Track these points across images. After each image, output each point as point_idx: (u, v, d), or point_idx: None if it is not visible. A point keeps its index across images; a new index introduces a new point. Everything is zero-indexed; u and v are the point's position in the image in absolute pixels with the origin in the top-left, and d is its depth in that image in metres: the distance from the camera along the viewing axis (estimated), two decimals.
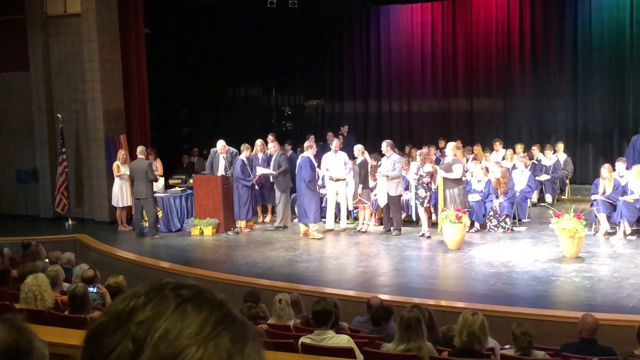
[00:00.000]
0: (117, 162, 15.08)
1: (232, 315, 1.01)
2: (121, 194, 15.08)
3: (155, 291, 1.02)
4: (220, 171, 14.50)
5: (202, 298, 1.01)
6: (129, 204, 15.01)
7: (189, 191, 15.03)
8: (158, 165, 15.76)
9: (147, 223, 14.20)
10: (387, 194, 13.41)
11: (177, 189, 15.43)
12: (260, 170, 14.59)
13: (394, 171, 13.39)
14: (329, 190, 14.21)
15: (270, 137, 15.60)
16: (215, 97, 21.29)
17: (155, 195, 14.42)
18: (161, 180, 15.55)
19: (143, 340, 0.96)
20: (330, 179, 14.06)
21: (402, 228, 13.73)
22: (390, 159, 13.53)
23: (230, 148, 14.92)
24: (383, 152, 13.69)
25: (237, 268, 11.61)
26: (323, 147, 16.17)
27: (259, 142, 15.20)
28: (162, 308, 0.99)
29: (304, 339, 5.99)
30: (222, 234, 14.14)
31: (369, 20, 21.04)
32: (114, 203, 15.21)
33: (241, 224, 14.46)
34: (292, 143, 17.78)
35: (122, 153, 15.22)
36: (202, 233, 14.16)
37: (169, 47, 19.93)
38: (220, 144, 14.70)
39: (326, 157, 14.29)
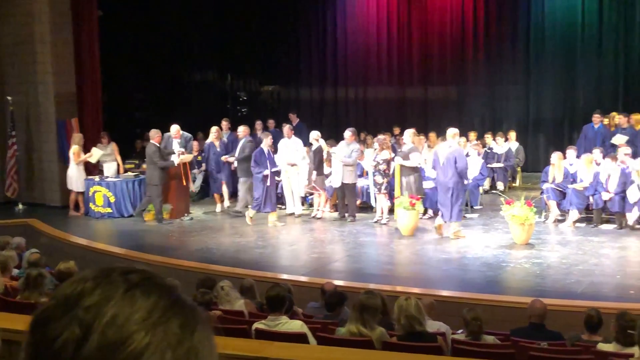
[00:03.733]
0: (77, 147, 14.79)
1: (181, 301, 1.00)
2: (79, 178, 14.81)
3: (103, 276, 1.01)
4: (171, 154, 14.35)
5: (151, 283, 1.00)
6: (84, 189, 14.81)
7: (141, 176, 14.85)
8: (114, 149, 15.55)
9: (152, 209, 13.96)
10: (342, 181, 13.44)
11: (130, 173, 15.26)
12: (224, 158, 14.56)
13: (350, 158, 13.43)
14: (283, 176, 14.20)
15: (224, 123, 15.50)
16: (170, 81, 21.06)
17: (109, 179, 14.21)
18: (114, 165, 15.36)
19: (90, 325, 0.95)
20: (287, 165, 14.07)
21: (357, 214, 13.78)
22: (350, 147, 13.55)
23: (185, 133, 14.78)
24: (345, 139, 13.66)
25: (191, 254, 11.54)
26: (279, 133, 16.17)
27: (214, 129, 15.07)
28: (110, 293, 0.98)
29: (258, 325, 6.00)
30: (176, 220, 14.03)
31: (325, 5, 21.00)
32: (69, 186, 14.92)
33: (271, 217, 13.52)
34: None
35: (78, 137, 14.96)
36: (155, 219, 14.03)
37: (123, 30, 19.60)
38: (174, 128, 14.54)
39: (281, 143, 14.29)
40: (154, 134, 13.84)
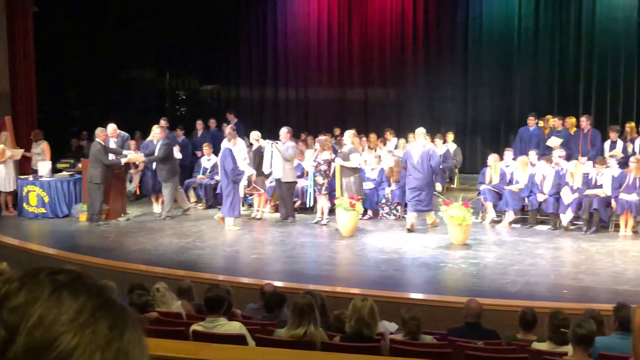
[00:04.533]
0: (1, 146, 14.44)
1: (110, 301, 0.98)
2: (7, 178, 14.47)
3: (29, 276, 0.97)
4: (111, 155, 14.12)
5: (80, 283, 0.97)
6: (15, 188, 14.45)
7: (77, 176, 14.58)
8: (45, 149, 15.22)
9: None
10: (281, 179, 13.38)
11: (64, 173, 14.95)
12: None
13: (287, 152, 13.34)
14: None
15: (161, 122, 15.30)
16: (107, 79, 20.70)
17: (43, 178, 13.89)
18: (48, 164, 15.02)
19: (16, 327, 0.92)
20: None
21: (298, 215, 13.79)
22: (286, 145, 13.52)
23: (122, 132, 14.55)
24: (281, 138, 13.62)
25: (128, 255, 11.35)
26: (220, 134, 16.10)
27: (155, 127, 14.83)
28: (36, 294, 0.94)
29: (195, 326, 5.93)
30: (112, 221, 13.80)
31: (266, 5, 20.95)
32: None
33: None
34: (184, 128, 17.46)
35: (4, 135, 14.60)
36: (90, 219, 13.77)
37: (59, 26, 19.22)
38: (111, 127, 14.28)
39: (223, 144, 14.20)
40: (100, 132, 13.61)
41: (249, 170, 13.73)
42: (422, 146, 12.91)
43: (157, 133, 14.29)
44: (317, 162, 13.46)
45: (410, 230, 12.63)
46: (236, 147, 13.70)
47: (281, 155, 13.29)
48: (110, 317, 0.95)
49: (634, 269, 9.99)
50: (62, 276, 0.98)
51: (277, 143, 13.50)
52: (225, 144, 14.08)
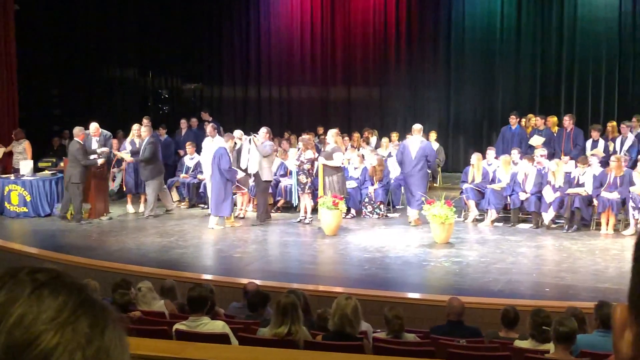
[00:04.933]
0: None
1: (91, 300, 0.97)
2: None
3: (9, 275, 0.97)
4: (93, 155, 14.05)
5: (60, 282, 0.96)
6: None
7: (59, 175, 14.49)
8: (26, 148, 15.12)
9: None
10: (259, 177, 13.31)
11: (46, 172, 14.86)
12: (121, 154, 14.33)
13: (264, 147, 13.28)
14: (206, 175, 14.08)
15: (144, 121, 15.24)
16: (89, 78, 20.56)
17: (25, 177, 13.80)
18: (30, 163, 14.91)
19: None
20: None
21: (281, 214, 13.78)
22: (264, 144, 13.45)
23: (104, 131, 14.47)
24: (259, 138, 13.55)
25: (110, 254, 11.29)
26: (202, 132, 16.03)
27: (135, 126, 14.77)
28: (16, 293, 0.93)
29: (178, 326, 5.92)
30: (94, 220, 13.72)
31: (249, 4, 20.91)
32: None
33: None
34: (167, 127, 17.39)
35: None
36: (73, 218, 13.69)
37: (40, 24, 19.08)
38: (93, 126, 14.22)
39: (204, 143, 14.17)
40: (78, 132, 13.52)
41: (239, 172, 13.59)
42: (419, 142, 13.32)
43: (143, 132, 14.26)
44: (300, 161, 13.45)
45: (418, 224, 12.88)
46: (215, 144, 13.75)
47: (257, 150, 13.22)
48: (91, 316, 0.95)
49: (615, 267, 10.06)
50: (42, 275, 0.97)
51: (255, 136, 13.40)
52: (207, 143, 14.05)
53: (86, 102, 20.11)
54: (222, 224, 13.07)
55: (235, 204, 14.44)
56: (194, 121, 17.59)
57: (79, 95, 20.25)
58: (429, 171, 13.85)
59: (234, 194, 14.32)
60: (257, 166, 13.25)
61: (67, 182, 13.45)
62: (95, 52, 20.25)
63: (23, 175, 14.41)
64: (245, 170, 13.56)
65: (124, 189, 15.15)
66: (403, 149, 13.50)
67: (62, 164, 14.62)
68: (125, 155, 14.35)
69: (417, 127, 13.58)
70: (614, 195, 12.08)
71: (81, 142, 13.46)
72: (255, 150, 13.25)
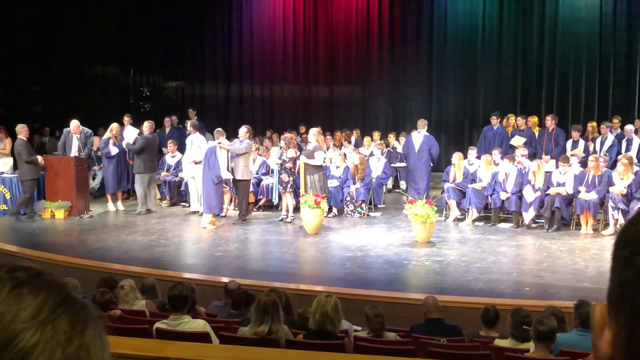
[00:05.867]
0: None
1: (71, 298, 0.96)
2: None
3: None
4: (74, 152, 13.96)
5: (40, 280, 0.96)
6: None
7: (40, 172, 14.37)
8: (7, 145, 14.99)
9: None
10: (235, 177, 13.27)
11: None
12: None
13: (241, 145, 13.24)
14: (187, 174, 14.04)
15: (126, 118, 15.20)
16: (70, 75, 20.43)
17: (4, 175, 13.69)
18: (9, 161, 14.79)
19: None
20: (190, 163, 13.90)
21: (263, 213, 13.76)
22: (243, 143, 13.41)
23: (85, 128, 14.38)
24: (240, 137, 13.51)
25: (91, 253, 11.22)
26: (182, 130, 15.99)
27: (114, 125, 14.70)
28: None
29: (159, 324, 5.90)
30: (75, 218, 13.65)
31: (231, 1, 20.84)
32: None
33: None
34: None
35: None
36: (53, 216, 13.60)
37: (20, 21, 18.92)
38: (74, 123, 14.14)
39: (187, 140, 14.16)
40: (21, 129, 13.60)
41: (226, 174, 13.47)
42: (422, 135, 14.39)
43: (145, 127, 14.37)
44: (282, 160, 13.43)
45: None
46: (197, 142, 13.76)
47: (231, 150, 13.18)
48: (71, 314, 0.94)
49: (594, 267, 10.14)
50: (22, 273, 0.96)
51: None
52: (190, 141, 14.04)
53: (67, 99, 19.98)
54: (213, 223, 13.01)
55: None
56: (174, 119, 17.52)
57: (59, 92, 20.12)
58: (432, 164, 14.61)
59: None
60: (228, 172, 13.19)
61: (20, 180, 13.48)
62: (76, 49, 20.11)
63: (3, 173, 14.29)
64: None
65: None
66: (408, 142, 14.66)
67: (42, 162, 14.50)
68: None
69: (421, 121, 14.69)
70: (592, 196, 12.16)
71: (24, 138, 13.52)
72: (223, 157, 13.16)
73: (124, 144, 14.40)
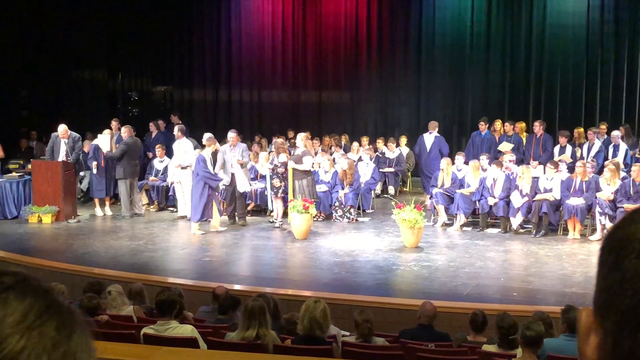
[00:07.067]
0: None
1: (57, 303, 0.96)
2: None
3: None
4: (61, 157, 13.91)
5: (26, 286, 0.95)
6: None
7: (26, 177, 14.32)
8: None
9: None
10: (236, 186, 13.30)
11: (14, 174, 14.67)
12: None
13: (244, 158, 13.38)
14: (174, 179, 14.01)
15: (113, 123, 15.16)
16: (58, 79, 20.33)
17: None
18: None
19: None
20: (179, 167, 13.88)
21: (251, 218, 13.75)
22: (236, 148, 13.42)
23: (73, 133, 14.33)
24: (229, 141, 13.51)
25: (78, 257, 11.17)
26: (170, 134, 15.94)
27: (107, 132, 14.65)
28: None
29: (146, 330, 5.87)
30: (62, 222, 13.59)
31: (220, 5, 20.83)
32: None
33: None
34: (136, 129, 17.24)
35: None
36: (40, 221, 13.54)
37: (7, 24, 18.83)
38: (62, 128, 14.09)
39: (174, 145, 14.12)
40: None
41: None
42: (433, 136, 15.81)
43: (124, 132, 14.44)
44: (274, 165, 13.42)
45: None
46: (182, 146, 13.76)
47: (240, 162, 13.28)
48: (58, 320, 0.94)
49: (582, 272, 10.18)
50: (8, 278, 0.96)
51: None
52: (176, 146, 14.02)
53: (55, 103, 19.88)
54: (204, 228, 12.94)
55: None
56: (161, 123, 17.47)
57: (47, 96, 20.01)
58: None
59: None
60: (243, 175, 13.28)
61: None
62: (64, 53, 20.02)
63: None
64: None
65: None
66: (420, 143, 16.00)
67: (29, 166, 14.46)
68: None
69: (432, 123, 16.06)
70: (579, 201, 12.22)
71: None
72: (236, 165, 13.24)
73: (104, 151, 14.36)
